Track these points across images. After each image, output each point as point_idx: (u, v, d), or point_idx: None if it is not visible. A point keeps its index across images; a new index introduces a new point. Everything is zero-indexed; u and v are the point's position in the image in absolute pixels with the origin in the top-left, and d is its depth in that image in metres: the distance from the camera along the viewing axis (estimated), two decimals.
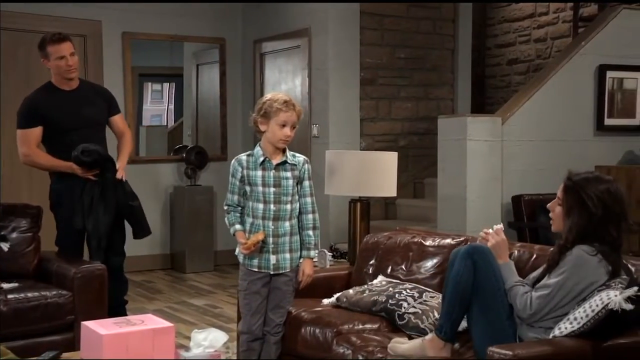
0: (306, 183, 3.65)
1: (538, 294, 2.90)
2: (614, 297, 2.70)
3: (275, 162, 3.59)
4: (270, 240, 3.58)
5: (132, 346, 2.86)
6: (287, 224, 3.60)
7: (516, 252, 3.48)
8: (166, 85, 8.34)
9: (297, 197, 3.63)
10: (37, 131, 4.62)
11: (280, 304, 3.64)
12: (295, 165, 3.62)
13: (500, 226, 3.20)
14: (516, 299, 2.96)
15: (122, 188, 4.67)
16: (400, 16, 7.07)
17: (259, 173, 3.58)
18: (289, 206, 3.59)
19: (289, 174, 3.60)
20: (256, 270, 3.61)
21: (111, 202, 4.60)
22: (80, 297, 4.18)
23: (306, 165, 3.66)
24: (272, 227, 3.57)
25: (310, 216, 3.64)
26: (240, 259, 3.65)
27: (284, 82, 7.25)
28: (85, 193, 4.58)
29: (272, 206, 3.56)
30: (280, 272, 3.62)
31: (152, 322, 3.00)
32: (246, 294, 3.63)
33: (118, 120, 4.91)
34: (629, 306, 2.68)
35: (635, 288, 2.75)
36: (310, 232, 3.64)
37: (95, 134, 4.73)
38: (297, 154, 3.70)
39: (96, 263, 4.40)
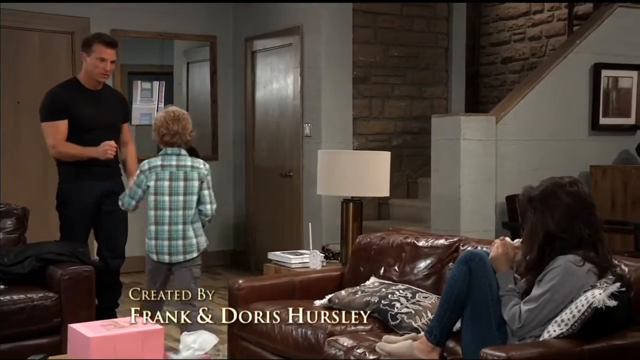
0: None
1: (526, 307, 2.87)
2: (598, 295, 2.70)
3: None
4: None
5: (120, 349, 2.83)
6: None
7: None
8: (156, 83, 8.25)
9: None
10: (64, 124, 4.61)
11: None
12: None
13: (516, 242, 3.18)
14: (505, 310, 2.94)
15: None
16: (394, 14, 7.02)
17: None
18: None
19: None
20: None
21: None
22: (68, 299, 4.13)
23: None
24: None
25: None
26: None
27: (276, 80, 7.19)
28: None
29: None
30: None
31: (141, 324, 2.97)
32: None
33: (126, 128, 4.99)
34: (612, 302, 2.67)
35: (618, 284, 2.76)
36: None
37: (110, 136, 4.74)
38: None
39: (84, 265, 4.33)
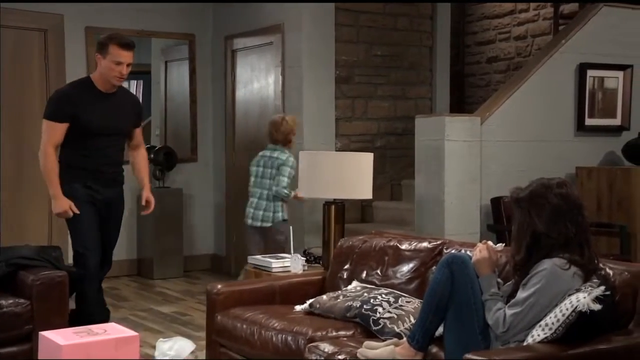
0: None
1: (511, 312, 2.87)
2: (583, 299, 2.69)
3: None
4: None
5: (93, 357, 2.76)
6: None
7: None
8: (133, 82, 8.13)
9: None
10: (62, 127, 4.43)
11: None
12: None
13: (499, 246, 3.17)
14: (489, 314, 2.93)
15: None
16: (377, 12, 6.94)
17: None
18: None
19: None
20: None
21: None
22: (39, 305, 4.02)
23: None
24: None
25: None
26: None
27: (256, 80, 7.10)
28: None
29: None
30: None
31: (115, 331, 2.92)
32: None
33: (138, 132, 4.85)
34: (597, 306, 2.66)
35: (602, 288, 2.76)
36: None
37: (118, 142, 4.66)
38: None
39: (56, 270, 4.20)
